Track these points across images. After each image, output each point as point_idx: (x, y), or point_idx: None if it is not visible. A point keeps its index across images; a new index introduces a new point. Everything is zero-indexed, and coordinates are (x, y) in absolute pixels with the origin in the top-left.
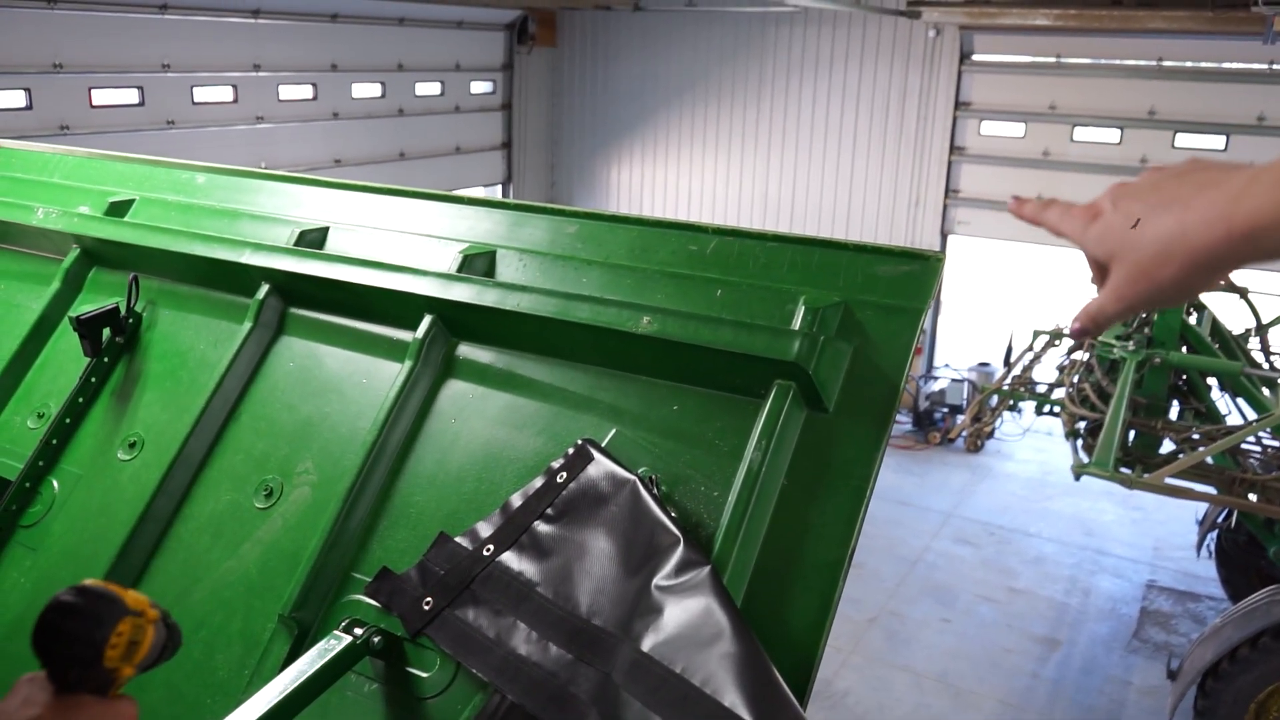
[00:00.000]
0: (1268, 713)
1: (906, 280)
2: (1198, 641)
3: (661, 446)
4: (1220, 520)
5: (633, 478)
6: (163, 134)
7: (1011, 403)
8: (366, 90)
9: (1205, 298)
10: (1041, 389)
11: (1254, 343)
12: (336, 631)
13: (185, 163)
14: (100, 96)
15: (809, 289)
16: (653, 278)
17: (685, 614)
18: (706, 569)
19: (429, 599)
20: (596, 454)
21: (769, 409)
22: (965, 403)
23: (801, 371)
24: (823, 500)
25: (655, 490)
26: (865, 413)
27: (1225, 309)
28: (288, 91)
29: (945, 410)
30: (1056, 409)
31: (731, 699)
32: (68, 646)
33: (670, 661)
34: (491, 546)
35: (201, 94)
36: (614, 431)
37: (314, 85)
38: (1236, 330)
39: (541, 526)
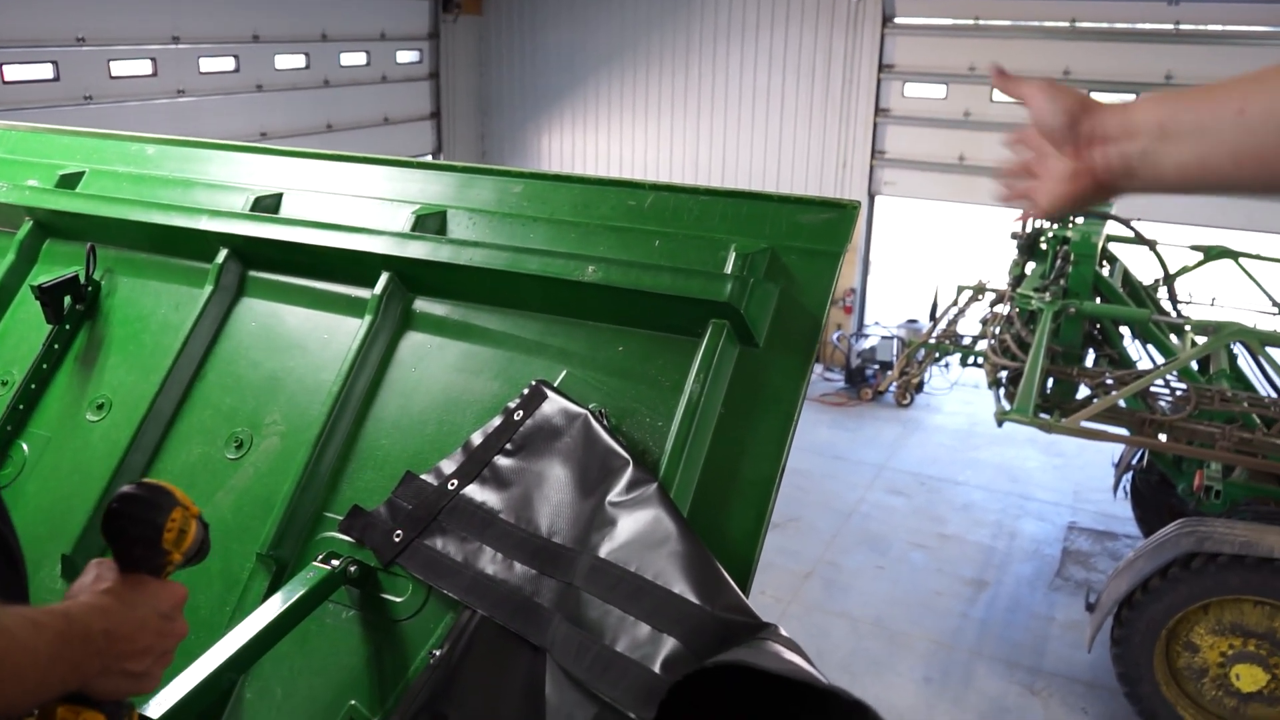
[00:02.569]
0: (1177, 638)
1: (826, 227)
2: (1113, 575)
3: (609, 384)
4: (1134, 462)
5: (584, 412)
6: (80, 109)
7: (938, 356)
8: (290, 61)
9: (1117, 250)
10: (966, 342)
11: (1162, 292)
12: (314, 563)
13: (134, 135)
14: (11, 72)
15: (739, 237)
16: (595, 231)
17: (636, 523)
18: (654, 485)
19: (399, 531)
20: (550, 393)
21: (705, 346)
22: (895, 359)
23: (734, 311)
24: (756, 425)
25: (605, 422)
26: (792, 346)
27: (1136, 261)
28: (209, 64)
29: (876, 367)
30: (980, 360)
31: (680, 587)
32: (132, 526)
33: (624, 563)
34: (455, 481)
35: (119, 68)
36: (565, 372)
37: (235, 57)
38: (1146, 281)
39: (501, 460)
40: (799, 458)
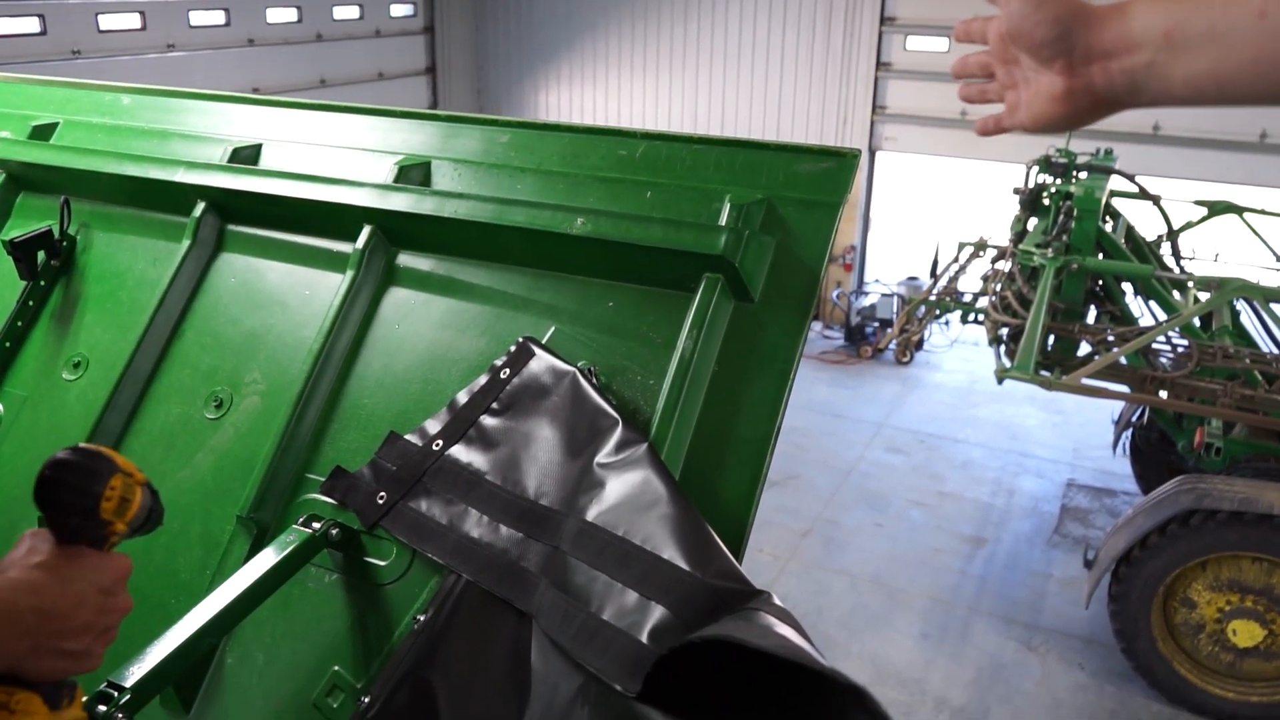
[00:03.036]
0: (1174, 595)
1: (825, 176)
2: (1112, 532)
3: (599, 341)
4: (1134, 419)
5: (572, 369)
6: (69, 64)
7: (938, 313)
8: (282, 15)
9: (1120, 206)
10: (967, 299)
11: (1166, 248)
12: (295, 526)
13: (108, 84)
14: None
15: (734, 188)
16: (584, 182)
17: (625, 486)
18: (644, 445)
19: (383, 493)
20: (537, 350)
21: (699, 301)
22: (895, 317)
23: (728, 264)
24: (750, 383)
25: (594, 380)
26: (788, 301)
27: (1139, 217)
28: (199, 17)
29: (876, 325)
30: (980, 317)
31: (670, 553)
32: (67, 496)
33: (613, 527)
34: (440, 442)
35: (107, 21)
36: (553, 329)
37: (226, 10)
38: (1150, 237)
39: (487, 420)
40: (798, 415)
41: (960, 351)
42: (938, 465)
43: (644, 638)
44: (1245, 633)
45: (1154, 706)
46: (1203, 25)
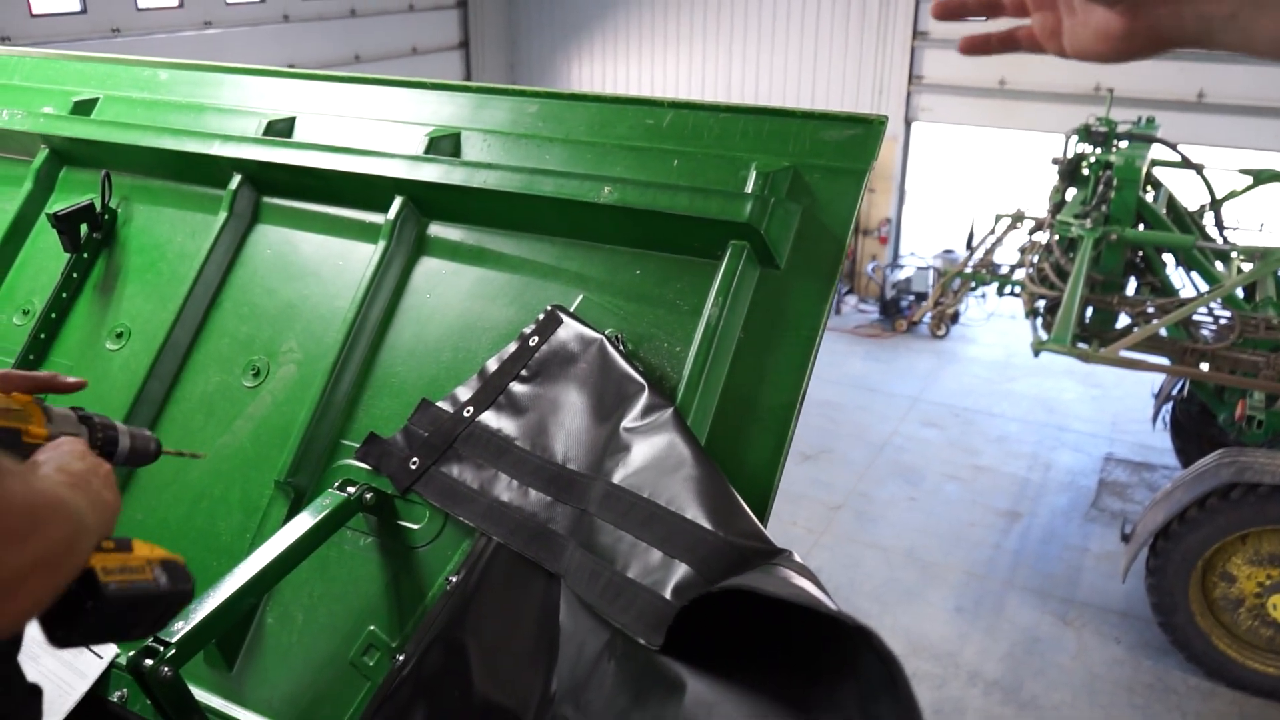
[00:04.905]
0: (1213, 569)
1: (851, 143)
2: (1150, 505)
3: (626, 308)
4: (1175, 393)
5: (600, 337)
6: (107, 42)
7: (974, 285)
8: None
9: (1162, 175)
10: (1003, 271)
11: (1209, 218)
12: (331, 490)
13: (146, 59)
14: (40, 4)
15: (760, 155)
16: (612, 151)
17: (651, 449)
18: (670, 410)
19: (415, 459)
20: (565, 318)
21: (725, 268)
22: (931, 290)
23: (754, 232)
24: (776, 350)
25: (621, 347)
26: (814, 268)
27: (1181, 186)
28: None
29: (911, 298)
30: (1017, 289)
31: (693, 513)
32: None
33: (638, 489)
34: (471, 408)
35: (146, 0)
36: (581, 297)
37: None
38: (1192, 207)
39: (517, 387)
40: (831, 389)
41: (996, 325)
42: (973, 439)
43: (667, 594)
44: None
45: (1191, 680)
46: None
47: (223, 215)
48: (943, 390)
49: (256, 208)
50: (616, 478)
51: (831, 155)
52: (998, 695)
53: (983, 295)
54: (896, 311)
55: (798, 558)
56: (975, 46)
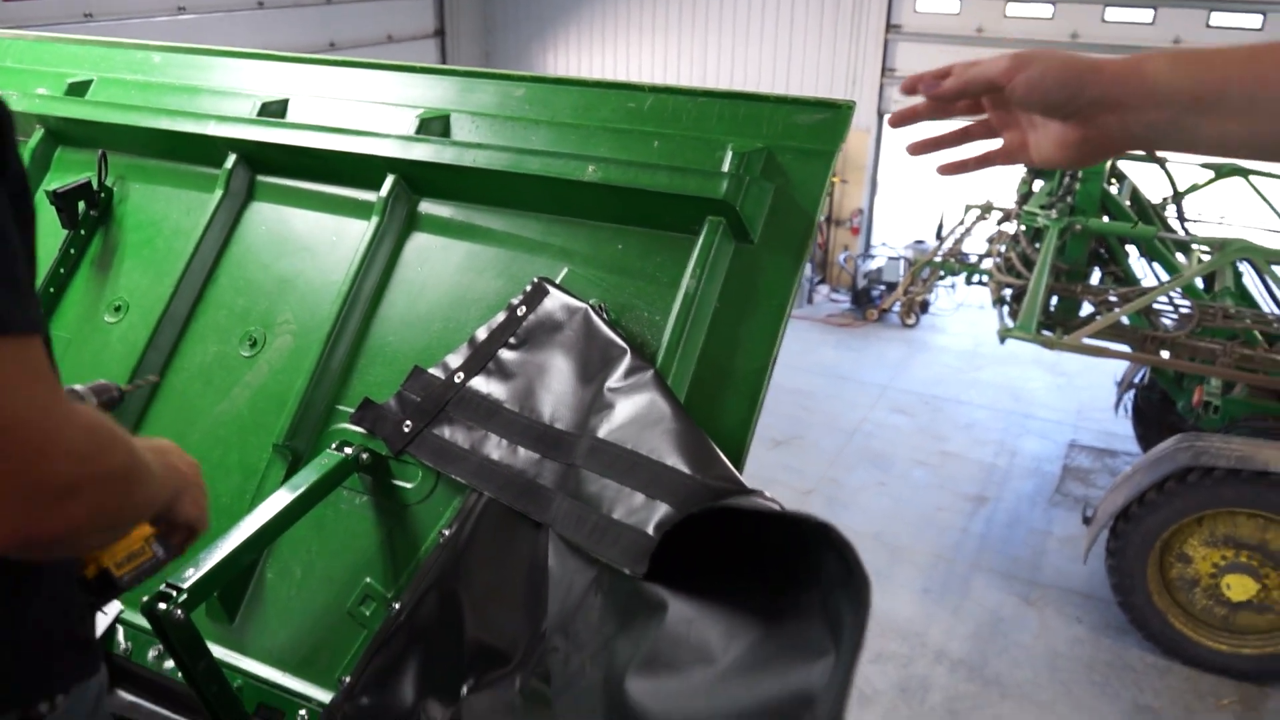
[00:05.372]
0: (1171, 550)
1: (821, 127)
2: (1111, 489)
3: (608, 281)
4: (1136, 380)
5: (584, 306)
6: (81, 27)
7: (943, 274)
8: None
9: (1126, 168)
10: (971, 260)
11: (1171, 210)
12: (328, 450)
13: (139, 43)
14: None
15: (736, 137)
16: (595, 133)
17: (634, 407)
18: (650, 371)
19: (409, 422)
20: (551, 289)
21: (702, 243)
22: (901, 280)
23: (730, 208)
24: (749, 319)
25: (605, 316)
26: (785, 243)
27: (1145, 179)
28: None
29: (883, 288)
30: (985, 279)
31: (673, 461)
32: None
33: (621, 442)
34: (461, 374)
35: None
36: (566, 270)
37: None
38: (1155, 199)
39: (505, 354)
40: (803, 377)
41: (965, 315)
42: (941, 426)
43: (650, 530)
44: (1239, 587)
45: (1149, 658)
46: (1239, 93)
47: (218, 193)
48: (912, 378)
49: (251, 186)
50: (601, 433)
51: (802, 138)
52: (963, 673)
53: (952, 285)
54: (868, 301)
55: (769, 494)
56: (927, 148)
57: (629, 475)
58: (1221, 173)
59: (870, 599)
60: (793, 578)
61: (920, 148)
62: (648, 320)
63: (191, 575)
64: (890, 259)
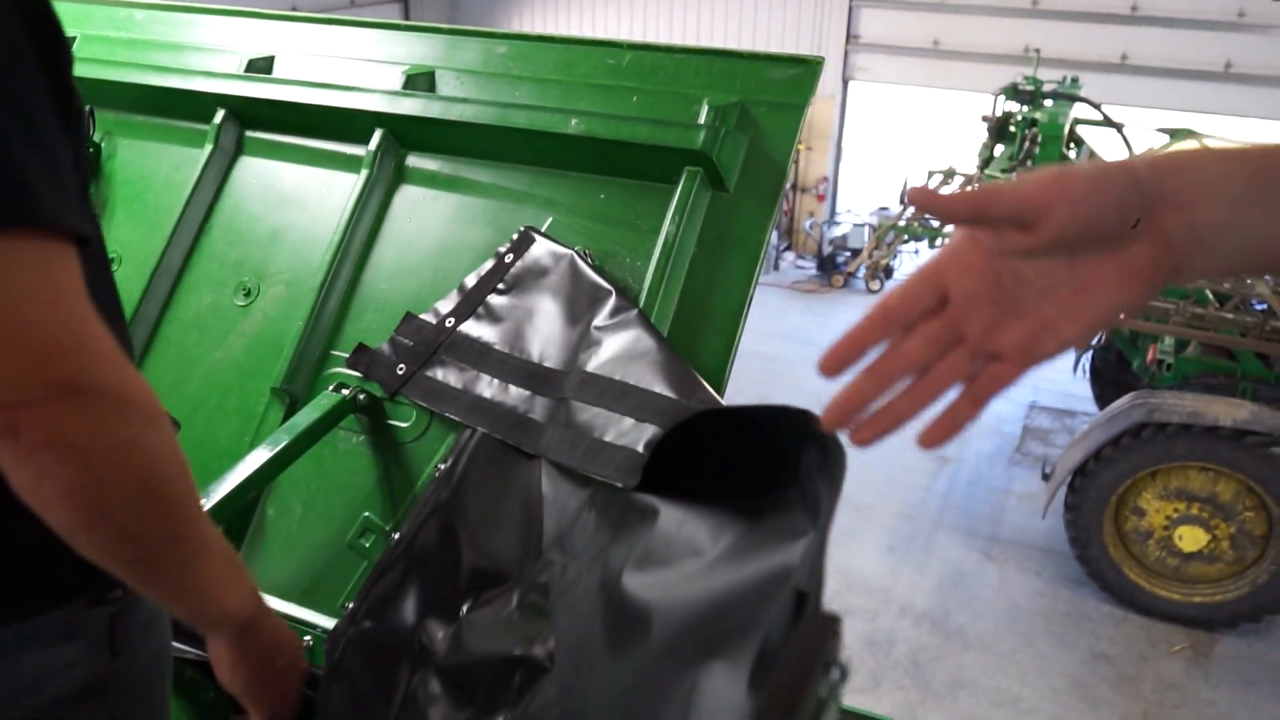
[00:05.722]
0: (1126, 504)
1: (792, 82)
2: (1069, 446)
3: (592, 229)
4: (1093, 342)
5: (570, 252)
6: None
7: (906, 238)
8: None
9: (1084, 133)
10: (935, 224)
11: None
12: (326, 391)
13: (121, 0)
14: None
15: (711, 92)
16: (577, 89)
17: (620, 342)
18: (635, 310)
19: (402, 365)
20: (537, 237)
21: (680, 192)
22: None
23: (706, 159)
24: (726, 263)
25: (589, 261)
26: (759, 191)
27: (1103, 144)
28: None
29: (848, 254)
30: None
31: (660, 388)
32: None
33: (610, 374)
34: (452, 319)
35: None
36: (551, 219)
37: None
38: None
39: (494, 299)
40: (770, 343)
41: None
42: None
43: (640, 449)
44: (1190, 538)
45: (1105, 608)
46: None
47: (208, 148)
48: None
49: (240, 141)
50: (590, 368)
51: (774, 92)
52: (926, 626)
53: (915, 250)
54: (833, 267)
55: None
56: (937, 439)
57: (618, 403)
58: (1176, 136)
59: (845, 466)
60: (775, 478)
61: (871, 428)
62: (630, 265)
63: (207, 501)
64: (855, 225)
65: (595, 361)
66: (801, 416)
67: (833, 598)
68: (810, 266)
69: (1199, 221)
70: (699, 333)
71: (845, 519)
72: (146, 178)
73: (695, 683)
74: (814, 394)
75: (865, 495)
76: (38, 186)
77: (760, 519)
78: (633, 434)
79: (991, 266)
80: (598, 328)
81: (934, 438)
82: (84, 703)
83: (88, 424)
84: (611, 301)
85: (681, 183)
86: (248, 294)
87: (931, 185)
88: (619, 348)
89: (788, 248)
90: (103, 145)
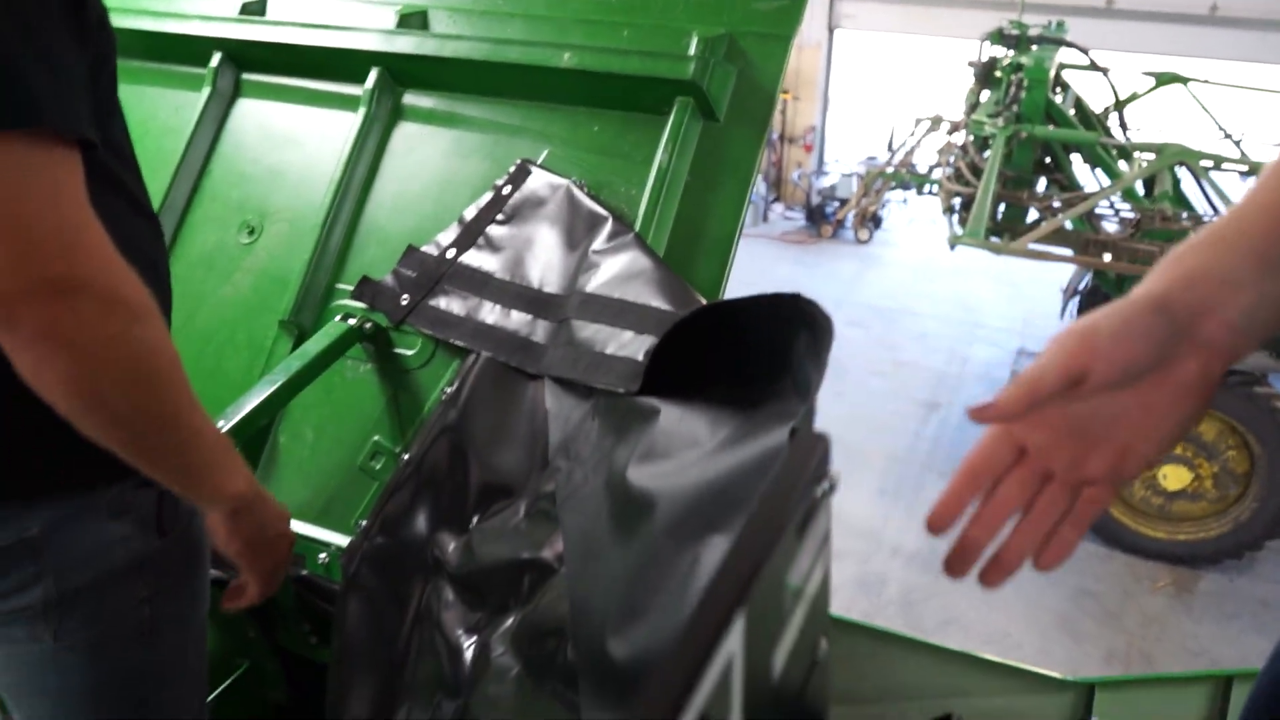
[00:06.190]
0: None
1: (779, 13)
2: None
3: (587, 160)
4: (1081, 287)
5: (566, 182)
6: None
7: (894, 185)
8: None
9: (1070, 77)
10: (922, 172)
11: (1114, 119)
12: (334, 320)
13: None
14: None
15: (700, 25)
16: (568, 24)
17: (618, 264)
18: (631, 234)
19: (405, 295)
20: (534, 169)
21: (672, 122)
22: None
23: (697, 89)
24: (717, 190)
25: (585, 190)
26: (748, 120)
27: (1088, 89)
28: None
29: (837, 204)
30: (935, 189)
31: (658, 303)
32: None
33: (608, 293)
34: (453, 250)
35: None
36: (546, 152)
37: None
38: (1098, 109)
39: (494, 229)
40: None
41: (918, 230)
42: (895, 336)
43: (640, 358)
44: (1174, 477)
45: (1090, 548)
46: None
47: (206, 91)
48: (867, 292)
49: (237, 84)
50: (589, 289)
51: (762, 23)
52: (917, 567)
53: (904, 200)
54: (822, 218)
55: None
56: (1000, 577)
57: (618, 318)
58: (1162, 80)
59: (832, 335)
60: (769, 370)
61: (997, 570)
62: (625, 195)
63: (221, 425)
64: (844, 175)
65: (594, 283)
66: (792, 301)
67: None
68: (799, 217)
69: (1231, 319)
70: (693, 258)
71: (837, 463)
72: (145, 122)
73: (697, 556)
74: None
75: (856, 441)
76: (38, 91)
77: (756, 408)
78: (633, 345)
79: (1056, 417)
80: (595, 251)
81: (1050, 562)
82: (133, 576)
83: (78, 320)
84: (608, 226)
85: (673, 113)
86: (251, 232)
87: (919, 133)
88: (617, 269)
89: (776, 199)
90: None
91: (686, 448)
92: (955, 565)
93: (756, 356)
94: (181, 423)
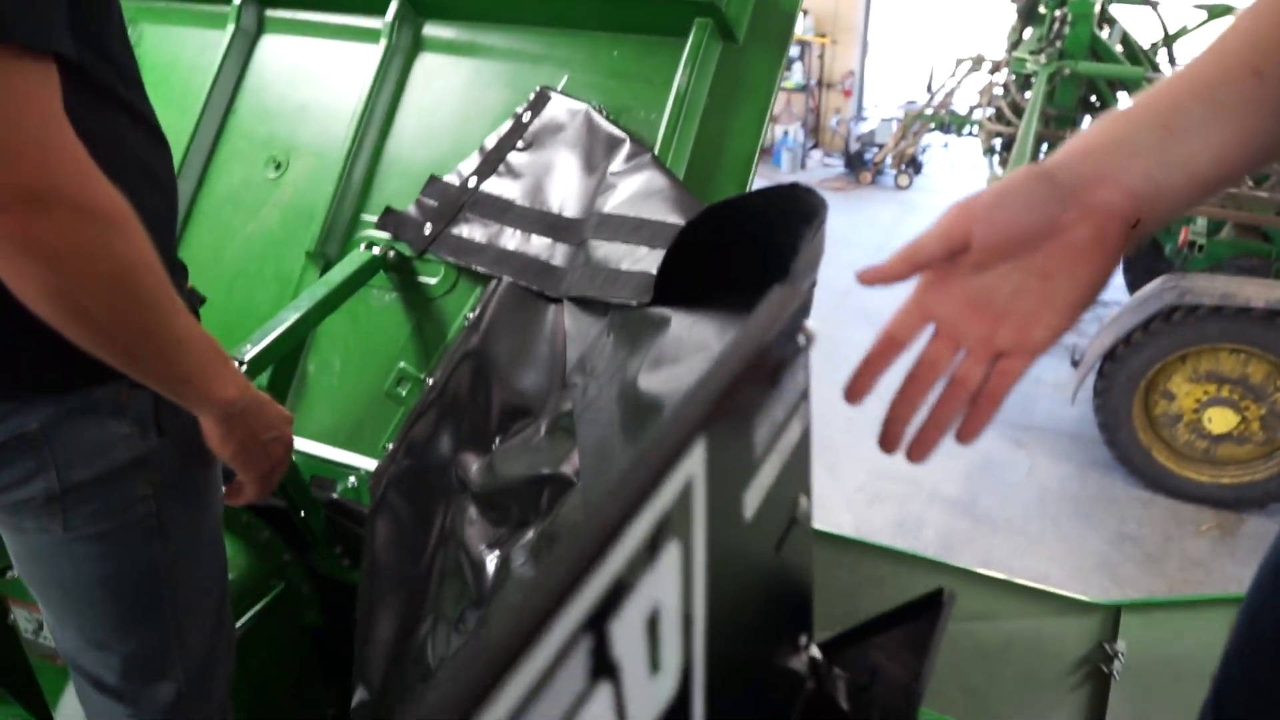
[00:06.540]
0: (1155, 388)
1: None
2: (1099, 332)
3: (606, 86)
4: None
5: (585, 107)
6: None
7: (933, 126)
8: None
9: (1117, 12)
10: (962, 113)
11: (1163, 55)
12: (358, 249)
13: None
14: None
15: None
16: None
17: (635, 183)
18: (649, 154)
19: (428, 224)
20: (553, 95)
21: (691, 43)
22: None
23: (716, 9)
24: (737, 111)
25: (604, 115)
26: (768, 40)
27: (1136, 24)
28: None
29: (875, 150)
30: (975, 130)
31: (674, 219)
32: None
33: (625, 212)
34: (475, 179)
35: None
36: (566, 78)
37: None
38: (1146, 44)
39: (514, 157)
40: None
41: (958, 175)
42: None
43: (653, 272)
44: (1220, 420)
45: (1133, 491)
46: (1194, 106)
47: (230, 29)
48: (906, 237)
49: (261, 21)
50: (606, 209)
51: None
52: (956, 511)
53: (945, 144)
54: (861, 164)
55: None
56: (923, 452)
57: (633, 235)
58: (1214, 13)
59: (823, 211)
60: (774, 273)
61: (921, 445)
62: (644, 119)
63: (250, 350)
64: (883, 121)
65: (611, 203)
66: (790, 190)
67: (861, 486)
68: (838, 164)
69: (1131, 182)
70: (712, 179)
71: (874, 410)
72: (172, 62)
73: None
74: (840, 291)
75: (893, 388)
76: (5, 5)
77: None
78: (648, 260)
79: (958, 289)
80: (613, 173)
81: (967, 434)
82: (135, 473)
83: (52, 229)
84: (626, 148)
85: (692, 34)
86: (278, 167)
87: (959, 73)
88: (633, 189)
89: (815, 146)
90: (129, 33)
91: (695, 352)
92: (886, 441)
93: (764, 260)
94: (164, 331)
